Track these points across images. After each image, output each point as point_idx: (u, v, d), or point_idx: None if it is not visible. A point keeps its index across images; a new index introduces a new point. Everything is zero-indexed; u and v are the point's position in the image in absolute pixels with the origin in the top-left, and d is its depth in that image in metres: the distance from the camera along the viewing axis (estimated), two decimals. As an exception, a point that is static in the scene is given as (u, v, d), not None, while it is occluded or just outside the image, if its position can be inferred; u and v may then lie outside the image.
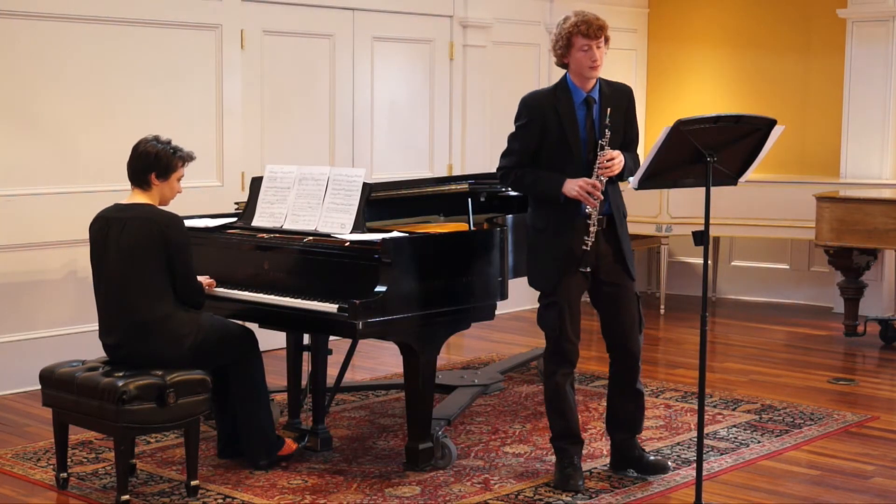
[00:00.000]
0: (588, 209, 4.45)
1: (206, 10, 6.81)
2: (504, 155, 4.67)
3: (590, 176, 4.45)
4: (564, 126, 4.50)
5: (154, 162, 4.63)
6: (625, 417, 4.77)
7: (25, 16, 6.07)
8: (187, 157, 4.74)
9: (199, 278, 4.84)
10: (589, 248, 4.47)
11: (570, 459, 4.67)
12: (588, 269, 4.52)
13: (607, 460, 4.93)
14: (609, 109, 4.47)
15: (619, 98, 4.58)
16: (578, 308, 4.64)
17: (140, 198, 4.65)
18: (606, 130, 4.45)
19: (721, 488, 4.68)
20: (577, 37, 4.47)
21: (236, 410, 4.83)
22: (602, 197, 4.44)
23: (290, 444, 4.94)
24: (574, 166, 4.49)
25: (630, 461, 4.78)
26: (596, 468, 4.89)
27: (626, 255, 4.60)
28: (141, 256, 4.50)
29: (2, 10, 5.99)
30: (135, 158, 4.67)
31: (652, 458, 4.81)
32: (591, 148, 4.50)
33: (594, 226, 4.45)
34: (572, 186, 4.43)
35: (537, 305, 4.70)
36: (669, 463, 4.81)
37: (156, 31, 6.60)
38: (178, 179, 4.72)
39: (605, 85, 4.60)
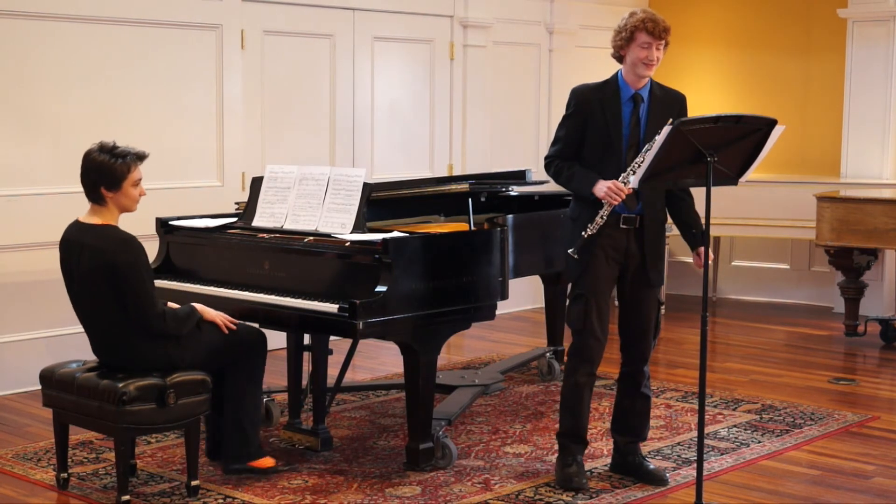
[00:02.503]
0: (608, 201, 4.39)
1: (206, 10, 6.81)
2: (552, 144, 4.65)
3: (625, 170, 4.38)
4: (608, 119, 4.47)
5: (98, 175, 4.29)
6: (629, 420, 4.75)
7: (25, 16, 6.06)
8: (135, 159, 4.33)
9: (216, 314, 4.59)
10: (587, 236, 4.41)
11: (574, 457, 4.66)
12: (576, 256, 4.43)
13: (608, 460, 4.92)
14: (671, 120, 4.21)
15: (669, 102, 4.52)
16: (608, 305, 4.60)
17: (96, 216, 4.37)
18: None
19: (721, 488, 4.68)
20: (642, 33, 4.41)
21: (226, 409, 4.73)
22: (626, 192, 4.35)
23: (268, 461, 4.74)
24: (613, 162, 4.45)
25: (630, 467, 4.76)
26: (596, 468, 4.88)
27: (647, 260, 4.55)
28: (99, 287, 4.34)
29: (2, 10, 5.99)
30: (83, 174, 4.32)
31: (651, 467, 4.77)
32: (632, 144, 4.45)
33: (602, 217, 4.39)
34: (602, 187, 4.39)
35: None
36: (668, 475, 4.74)
37: (156, 31, 6.59)
38: (135, 184, 4.34)
39: (658, 88, 4.55)
